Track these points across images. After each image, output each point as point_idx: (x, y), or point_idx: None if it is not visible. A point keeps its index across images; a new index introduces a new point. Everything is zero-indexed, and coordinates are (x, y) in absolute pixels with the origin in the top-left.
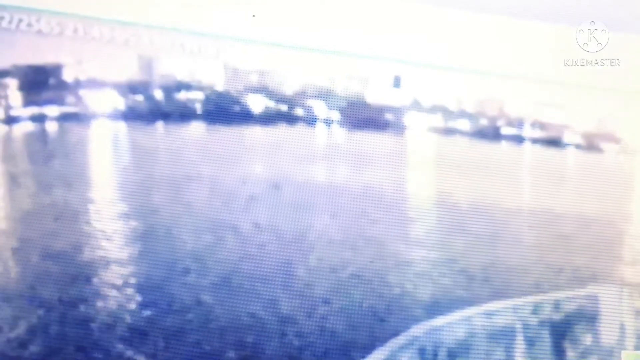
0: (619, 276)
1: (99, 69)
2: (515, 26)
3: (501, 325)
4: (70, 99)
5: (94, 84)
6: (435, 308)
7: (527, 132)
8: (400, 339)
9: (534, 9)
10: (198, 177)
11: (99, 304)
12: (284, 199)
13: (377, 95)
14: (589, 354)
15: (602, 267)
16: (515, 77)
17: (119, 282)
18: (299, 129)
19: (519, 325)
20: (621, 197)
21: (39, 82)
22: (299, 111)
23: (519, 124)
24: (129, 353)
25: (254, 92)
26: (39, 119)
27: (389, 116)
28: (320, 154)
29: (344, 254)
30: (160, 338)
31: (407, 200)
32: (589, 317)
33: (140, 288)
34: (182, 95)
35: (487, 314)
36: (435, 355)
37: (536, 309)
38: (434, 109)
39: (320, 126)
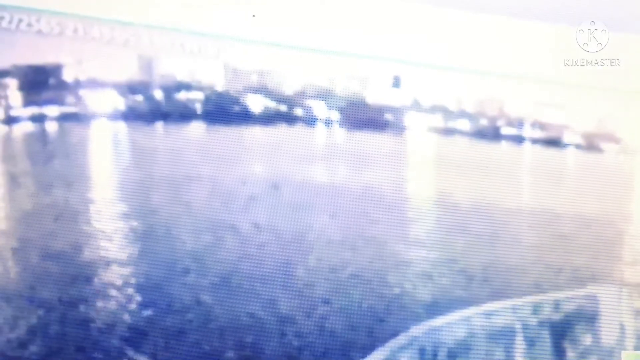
0: (618, 276)
1: (99, 69)
2: (515, 26)
3: (501, 326)
4: (70, 99)
5: (94, 84)
6: (435, 308)
7: (527, 132)
8: (400, 339)
9: (534, 9)
10: (198, 177)
11: (99, 304)
12: (284, 199)
13: (377, 95)
14: (588, 354)
15: (602, 267)
16: (515, 77)
17: (119, 282)
18: (299, 129)
19: (518, 326)
20: (621, 197)
21: (39, 82)
22: (298, 111)
23: (519, 124)
24: (129, 353)
25: (253, 92)
26: (39, 119)
27: (388, 116)
28: (320, 154)
29: (343, 254)
30: (160, 338)
31: (406, 201)
32: (588, 317)
33: (140, 288)
34: (182, 96)
35: (487, 314)
36: (435, 355)
37: (536, 309)
38: (433, 109)
39: (320, 126)
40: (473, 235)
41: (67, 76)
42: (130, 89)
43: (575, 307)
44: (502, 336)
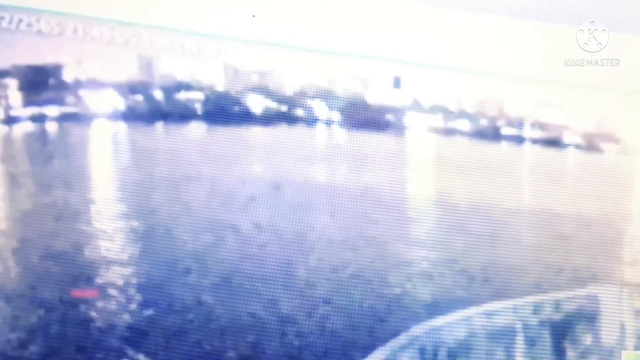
0: (619, 276)
1: (99, 69)
2: (515, 26)
3: (501, 325)
4: (70, 99)
5: (94, 84)
6: (436, 308)
7: (527, 132)
8: (401, 339)
9: (534, 9)
10: (198, 177)
11: (99, 304)
12: (284, 200)
13: (377, 95)
14: (589, 354)
15: (602, 267)
16: (515, 77)
17: (120, 282)
18: (299, 129)
19: (519, 325)
20: (621, 197)
21: (39, 82)
22: (299, 111)
23: (519, 124)
24: (130, 353)
25: (254, 93)
26: (39, 119)
27: (389, 116)
28: (320, 155)
29: (344, 254)
30: (161, 338)
31: (407, 201)
32: (589, 317)
33: (140, 288)
34: (182, 96)
35: (487, 314)
36: (436, 355)
37: (536, 309)
38: (434, 109)
39: (320, 126)
40: (473, 235)
41: (67, 76)
42: (130, 89)
43: (576, 307)
44: (503, 336)
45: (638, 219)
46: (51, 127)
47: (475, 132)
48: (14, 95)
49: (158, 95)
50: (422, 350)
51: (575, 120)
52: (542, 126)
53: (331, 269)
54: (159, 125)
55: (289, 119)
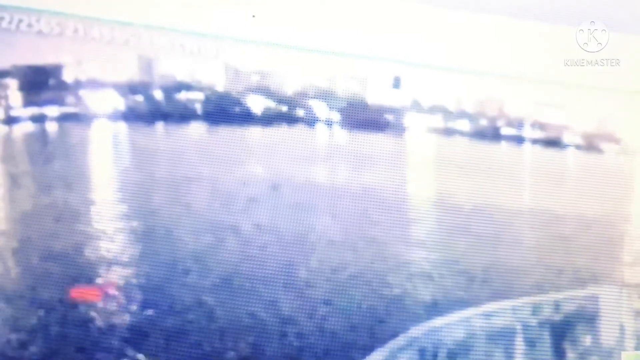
0: (619, 277)
1: (99, 70)
2: (515, 26)
3: (501, 326)
4: (70, 99)
5: (94, 84)
6: (435, 309)
7: (527, 132)
8: (400, 340)
9: (534, 9)
10: (198, 177)
11: (99, 304)
12: (284, 200)
13: (377, 95)
14: (588, 354)
15: (602, 268)
16: (515, 77)
17: (120, 282)
18: (299, 129)
19: (519, 326)
20: (621, 198)
21: (39, 82)
22: (299, 112)
23: (519, 124)
24: (130, 354)
25: (254, 93)
26: (39, 119)
27: (389, 117)
28: (320, 155)
29: (344, 254)
30: (161, 338)
31: (407, 201)
32: (588, 318)
33: (140, 289)
34: (182, 96)
35: (487, 315)
36: (435, 356)
37: (536, 310)
38: (433, 110)
39: (320, 127)
40: (473, 235)
41: (67, 76)
42: (131, 89)
43: (576, 307)
44: (503, 337)
45: (638, 219)
46: (51, 127)
47: (475, 132)
48: (14, 95)
49: (158, 95)
50: (421, 351)
51: (575, 120)
52: (542, 126)
53: (331, 269)
54: (159, 126)
55: (289, 119)
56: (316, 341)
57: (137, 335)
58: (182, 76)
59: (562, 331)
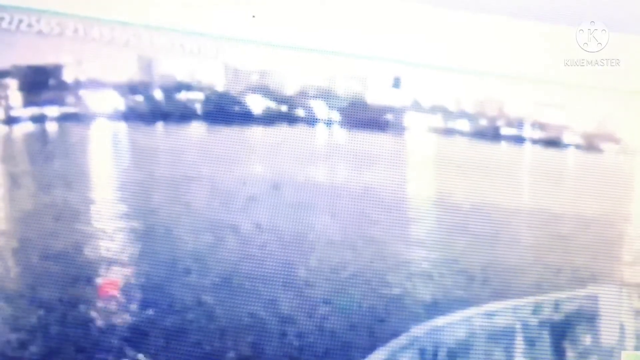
0: (618, 276)
1: (99, 70)
2: (515, 26)
3: (501, 326)
4: (70, 99)
5: (94, 84)
6: (436, 308)
7: (527, 132)
8: (401, 340)
9: (534, 9)
10: (198, 177)
11: (99, 304)
12: (284, 200)
13: (377, 95)
14: (588, 354)
15: (602, 268)
16: (515, 77)
17: (120, 282)
18: (299, 129)
19: (518, 326)
20: (621, 198)
21: (39, 82)
22: (299, 111)
23: (519, 124)
24: (130, 353)
25: (254, 93)
26: (39, 119)
27: (388, 116)
28: (320, 155)
29: (344, 254)
30: (161, 338)
31: (406, 201)
32: (588, 318)
33: (140, 288)
34: (182, 96)
35: (487, 315)
36: (435, 355)
37: (536, 310)
38: (433, 110)
39: (320, 127)
40: (473, 235)
41: (67, 76)
42: (131, 89)
43: (575, 307)
44: (503, 336)
45: (638, 219)
46: (51, 127)
47: (475, 132)
48: (14, 95)
49: (158, 95)
50: (422, 351)
51: (575, 120)
52: (542, 126)
53: (331, 269)
54: (159, 126)
55: (289, 119)
56: (316, 341)
57: (136, 335)
58: (182, 76)
59: (562, 331)
